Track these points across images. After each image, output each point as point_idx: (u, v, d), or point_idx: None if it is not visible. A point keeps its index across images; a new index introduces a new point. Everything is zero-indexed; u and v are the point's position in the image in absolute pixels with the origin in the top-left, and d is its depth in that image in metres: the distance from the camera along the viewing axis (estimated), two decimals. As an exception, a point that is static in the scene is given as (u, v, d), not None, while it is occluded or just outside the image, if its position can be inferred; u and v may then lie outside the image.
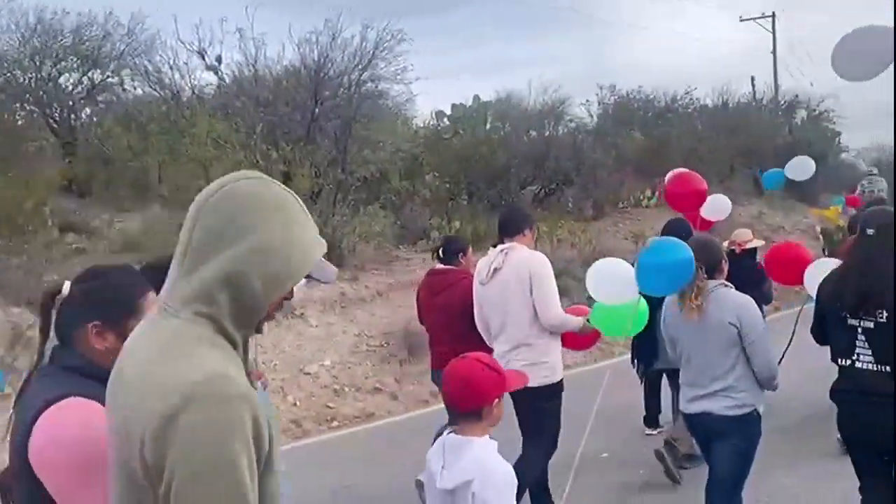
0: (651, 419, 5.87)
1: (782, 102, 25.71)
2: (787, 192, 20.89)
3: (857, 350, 3.01)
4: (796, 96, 25.72)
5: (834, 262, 3.79)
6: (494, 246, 4.17)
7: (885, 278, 2.91)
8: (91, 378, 1.51)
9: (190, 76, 12.24)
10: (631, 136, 18.73)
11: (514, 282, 3.91)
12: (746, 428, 3.33)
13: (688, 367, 3.52)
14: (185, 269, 1.22)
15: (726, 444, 3.35)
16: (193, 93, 12.35)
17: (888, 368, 2.90)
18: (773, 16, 29.18)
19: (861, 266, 3.05)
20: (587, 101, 20.72)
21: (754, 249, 5.87)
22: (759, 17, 29.31)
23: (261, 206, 1.24)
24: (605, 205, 15.95)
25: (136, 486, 1.16)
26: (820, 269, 3.81)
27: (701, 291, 3.29)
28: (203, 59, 11.71)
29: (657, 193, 17.54)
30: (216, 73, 12.07)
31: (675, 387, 4.68)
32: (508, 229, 4.12)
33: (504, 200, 14.79)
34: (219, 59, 11.84)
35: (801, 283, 4.17)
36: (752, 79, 26.03)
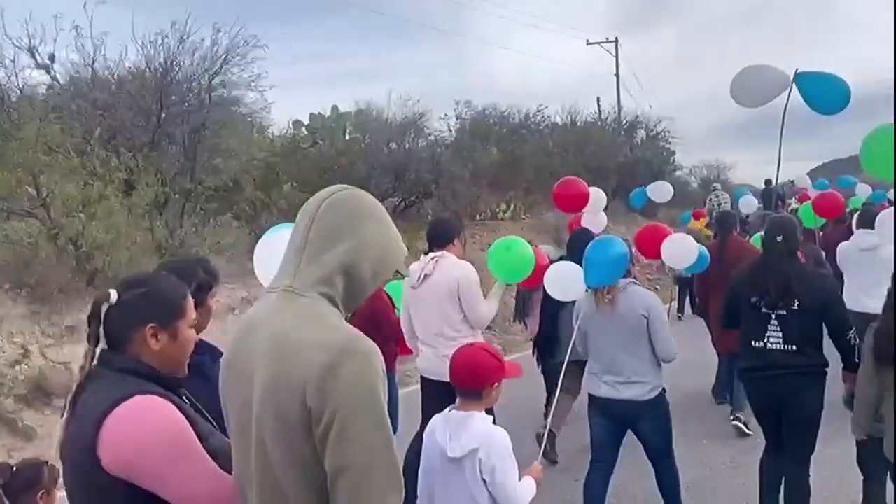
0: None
1: (624, 122, 27.56)
2: (627, 208, 22.42)
3: (769, 333, 3.70)
4: (637, 117, 27.72)
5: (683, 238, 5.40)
6: (426, 254, 4.45)
7: (799, 276, 3.66)
8: (144, 378, 1.64)
9: (18, 75, 11.17)
10: (487, 151, 19.29)
11: (444, 287, 4.17)
12: (661, 406, 3.92)
13: (600, 357, 3.97)
14: (307, 259, 1.50)
15: (648, 424, 3.92)
16: (22, 93, 11.27)
17: (793, 347, 3.64)
18: (616, 41, 31.28)
19: (775, 266, 3.72)
20: (445, 114, 21.18)
21: None
22: (603, 42, 31.28)
23: (365, 209, 1.58)
24: (463, 217, 16.31)
25: (289, 432, 1.38)
26: (672, 245, 5.26)
27: (614, 287, 3.85)
28: (34, 57, 10.72)
29: (512, 206, 18.23)
30: (48, 72, 11.09)
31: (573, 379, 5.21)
32: (439, 240, 4.40)
33: (363, 212, 14.74)
34: (52, 58, 10.87)
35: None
36: (598, 99, 27.80)
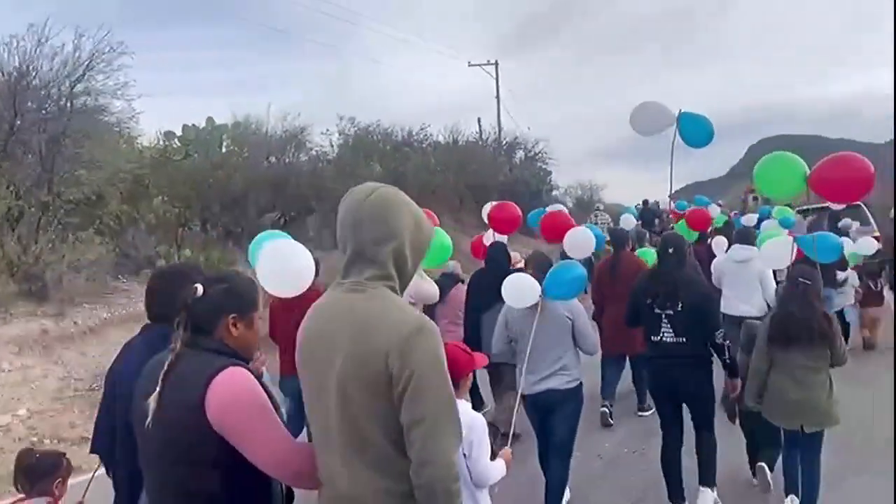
0: (476, 406, 6.15)
1: (504, 143, 28.35)
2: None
3: (663, 329, 4.41)
4: (516, 138, 28.58)
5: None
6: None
7: (683, 282, 4.40)
8: (226, 356, 1.96)
9: None
10: (370, 168, 19.21)
11: None
12: (578, 394, 4.38)
13: (530, 357, 4.31)
14: (365, 260, 1.78)
15: (565, 410, 4.32)
16: None
17: (682, 339, 4.34)
18: (497, 64, 32.14)
19: (666, 274, 4.46)
20: (327, 130, 20.94)
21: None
22: (484, 64, 32.06)
23: (404, 204, 1.82)
24: (345, 233, 16.15)
25: (373, 391, 1.69)
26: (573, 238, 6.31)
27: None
28: None
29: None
30: None
31: (497, 380, 5.74)
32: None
33: (241, 227, 14.23)
34: None
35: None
36: (479, 120, 28.33)
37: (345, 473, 1.77)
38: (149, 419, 1.88)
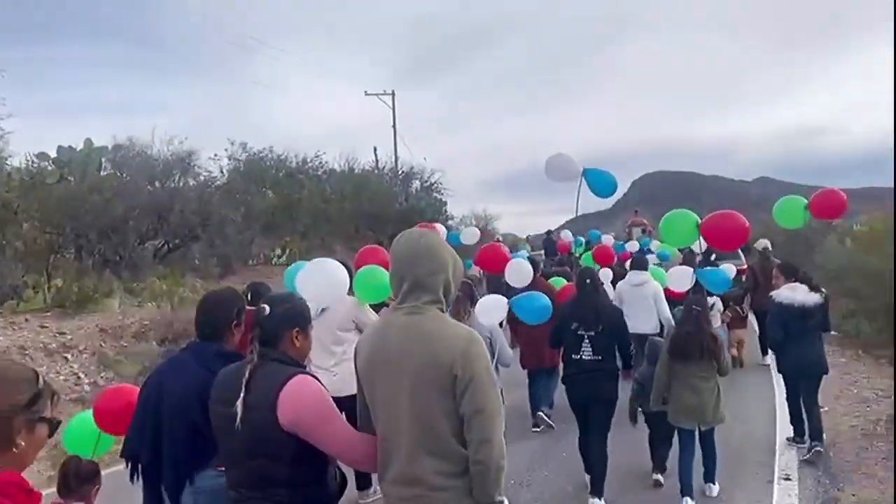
0: None
1: (401, 172, 28.47)
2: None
3: (583, 348, 5.07)
4: (412, 168, 28.77)
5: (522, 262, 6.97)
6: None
7: (602, 307, 5.19)
8: (290, 364, 2.33)
9: None
10: (262, 194, 18.77)
11: (340, 319, 5.06)
12: None
13: None
14: (421, 288, 2.21)
15: None
16: None
17: (599, 357, 5.02)
18: (393, 94, 32.36)
19: (588, 301, 5.14)
20: (216, 155, 20.33)
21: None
22: (381, 94, 32.19)
23: (445, 245, 2.31)
24: (234, 262, 15.59)
25: (442, 391, 2.12)
26: (514, 269, 6.74)
27: (468, 313, 5.10)
28: None
29: (287, 251, 17.82)
30: None
31: None
32: None
33: (120, 255, 13.47)
34: None
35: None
36: (375, 149, 28.33)
37: (409, 456, 2.19)
38: (238, 421, 2.25)
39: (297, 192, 20.15)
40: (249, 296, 5.29)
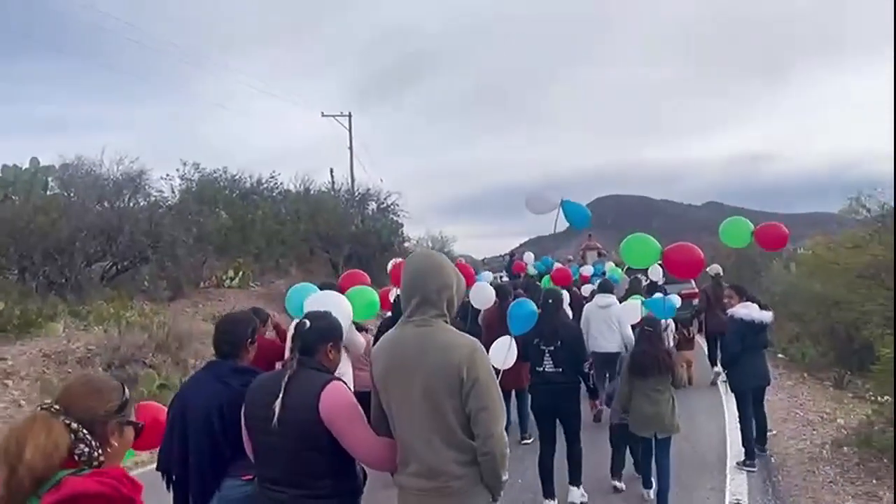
0: None
1: (357, 194, 28.33)
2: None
3: (545, 361, 5.63)
4: (368, 189, 28.66)
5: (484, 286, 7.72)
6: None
7: (561, 324, 5.84)
8: (325, 373, 2.72)
9: None
10: (215, 215, 18.45)
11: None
12: None
13: None
14: (429, 303, 2.61)
15: None
16: None
17: (560, 369, 5.58)
18: (350, 116, 32.34)
19: (549, 319, 5.69)
20: (168, 175, 19.96)
21: None
22: (338, 115, 32.13)
23: (450, 264, 2.73)
24: (185, 285, 15.24)
25: (451, 391, 2.51)
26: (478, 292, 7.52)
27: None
28: None
29: (240, 273, 17.50)
30: None
31: None
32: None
33: (66, 278, 13.05)
34: None
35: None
36: (331, 170, 28.11)
37: (428, 451, 2.55)
38: (275, 420, 2.56)
39: (251, 212, 19.85)
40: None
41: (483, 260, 34.07)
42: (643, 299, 8.21)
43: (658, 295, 7.98)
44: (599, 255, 20.93)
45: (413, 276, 2.65)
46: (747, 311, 6.39)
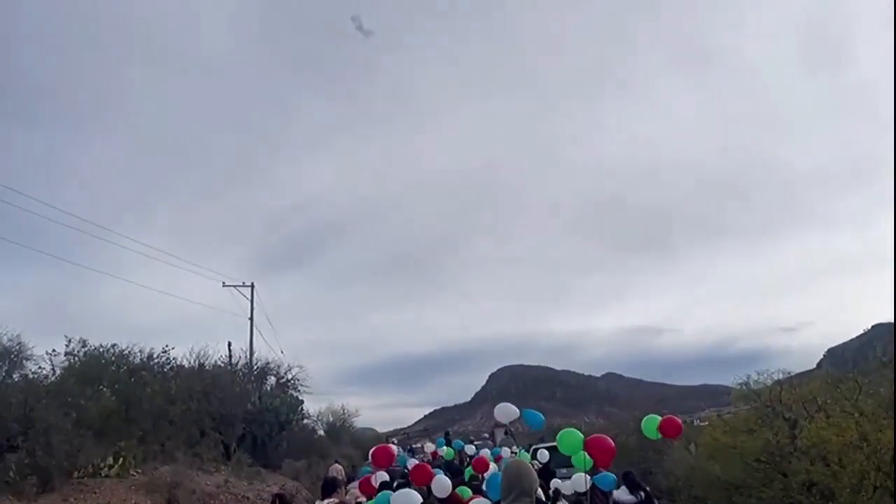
0: None
1: (256, 368, 27.33)
2: (253, 459, 21.41)
3: None
4: (268, 363, 27.77)
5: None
6: None
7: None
8: None
9: None
10: (98, 393, 17.14)
11: None
12: None
13: None
14: (524, 491, 4.08)
15: None
16: None
17: None
18: (253, 286, 31.93)
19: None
20: (54, 351, 18.67)
21: None
22: (239, 286, 31.66)
23: (530, 468, 4.36)
24: (56, 476, 13.72)
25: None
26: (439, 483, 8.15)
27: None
28: None
29: (121, 460, 15.98)
30: None
31: None
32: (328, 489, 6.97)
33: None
34: None
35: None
36: (229, 344, 27.16)
37: None
38: None
39: (138, 391, 18.60)
40: (325, 488, 7.67)
41: (387, 438, 32.97)
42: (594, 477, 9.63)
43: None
44: (506, 432, 20.87)
45: (511, 477, 4.12)
46: (617, 492, 9.09)
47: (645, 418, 7.93)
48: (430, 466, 10.09)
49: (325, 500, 7.78)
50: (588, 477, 8.65)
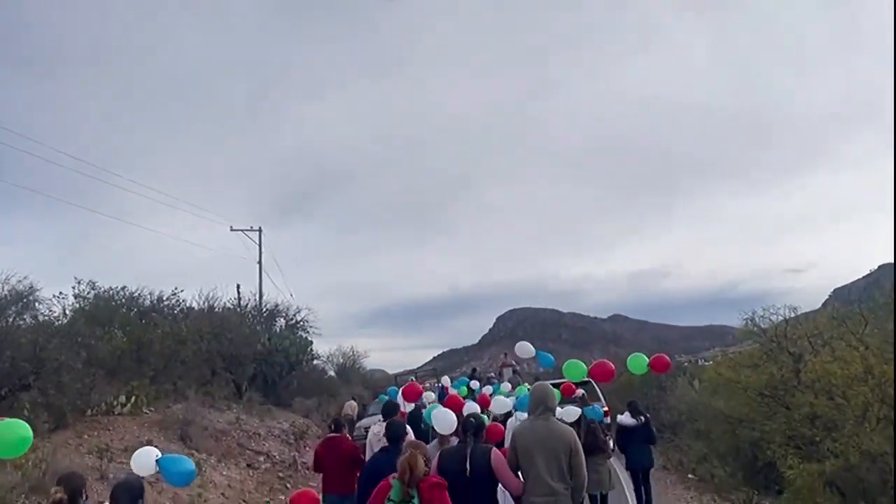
0: None
1: (265, 310, 27.56)
2: (264, 398, 21.77)
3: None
4: (277, 305, 27.98)
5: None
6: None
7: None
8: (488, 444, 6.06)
9: None
10: (109, 335, 17.34)
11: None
12: None
13: None
14: (548, 407, 5.50)
15: None
16: None
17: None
18: (260, 230, 31.98)
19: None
20: (61, 293, 18.84)
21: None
22: (247, 230, 31.72)
23: (552, 389, 5.91)
24: (69, 413, 13.99)
25: (565, 452, 5.22)
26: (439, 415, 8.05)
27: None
28: None
29: (133, 398, 16.28)
30: None
31: None
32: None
33: (-70, 409, 11.73)
34: None
35: None
36: (238, 286, 27.33)
37: (550, 481, 5.04)
38: (467, 472, 5.12)
39: (149, 332, 18.81)
40: (333, 426, 8.14)
41: (395, 377, 33.42)
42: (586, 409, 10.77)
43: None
44: (514, 371, 21.19)
45: (540, 395, 5.40)
46: (621, 416, 10.01)
47: (630, 356, 9.39)
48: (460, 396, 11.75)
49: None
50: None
